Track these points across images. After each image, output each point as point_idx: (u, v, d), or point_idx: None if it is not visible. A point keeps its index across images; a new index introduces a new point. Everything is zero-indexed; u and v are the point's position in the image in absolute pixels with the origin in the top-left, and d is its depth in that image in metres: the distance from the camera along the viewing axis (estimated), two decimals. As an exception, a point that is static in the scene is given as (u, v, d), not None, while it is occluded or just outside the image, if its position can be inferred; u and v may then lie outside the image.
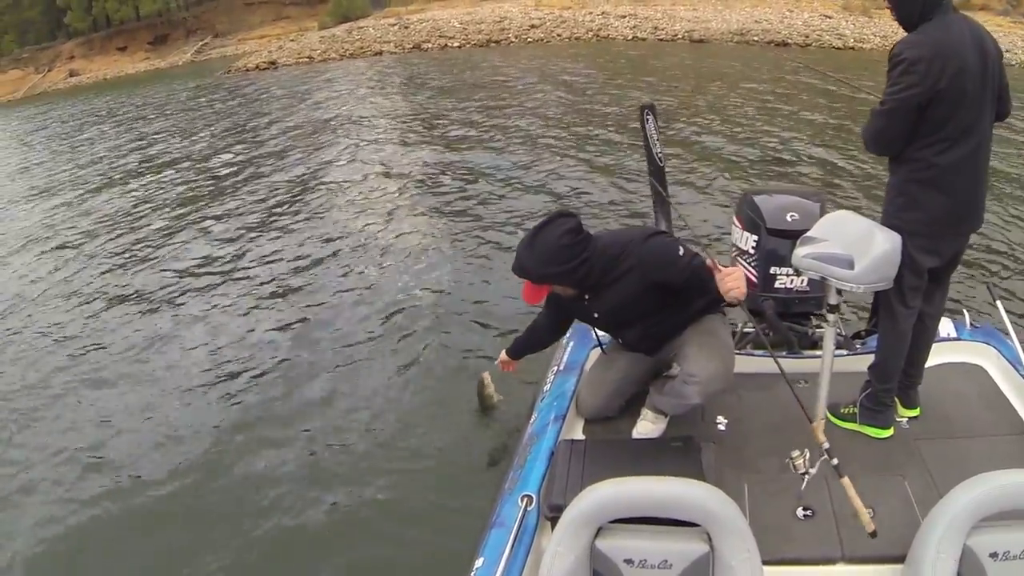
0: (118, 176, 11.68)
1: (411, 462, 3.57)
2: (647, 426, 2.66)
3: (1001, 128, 2.56)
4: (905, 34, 2.31)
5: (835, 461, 1.96)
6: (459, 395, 4.01)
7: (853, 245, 2.31)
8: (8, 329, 6.00)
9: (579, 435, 2.73)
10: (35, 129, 21.56)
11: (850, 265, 2.27)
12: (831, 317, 2.45)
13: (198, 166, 11.48)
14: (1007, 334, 2.88)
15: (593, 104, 13.19)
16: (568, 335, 3.24)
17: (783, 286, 2.97)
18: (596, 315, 2.69)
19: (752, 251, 3.01)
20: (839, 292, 2.40)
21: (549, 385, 2.96)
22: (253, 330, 5.33)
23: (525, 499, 2.27)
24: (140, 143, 14.81)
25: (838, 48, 20.78)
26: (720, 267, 2.27)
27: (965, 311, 3.22)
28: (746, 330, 3.17)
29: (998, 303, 2.99)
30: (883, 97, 2.32)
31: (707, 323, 2.65)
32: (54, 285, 6.91)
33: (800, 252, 2.38)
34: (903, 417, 2.66)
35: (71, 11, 53.44)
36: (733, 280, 2.20)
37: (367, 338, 4.97)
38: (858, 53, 19.77)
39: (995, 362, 2.92)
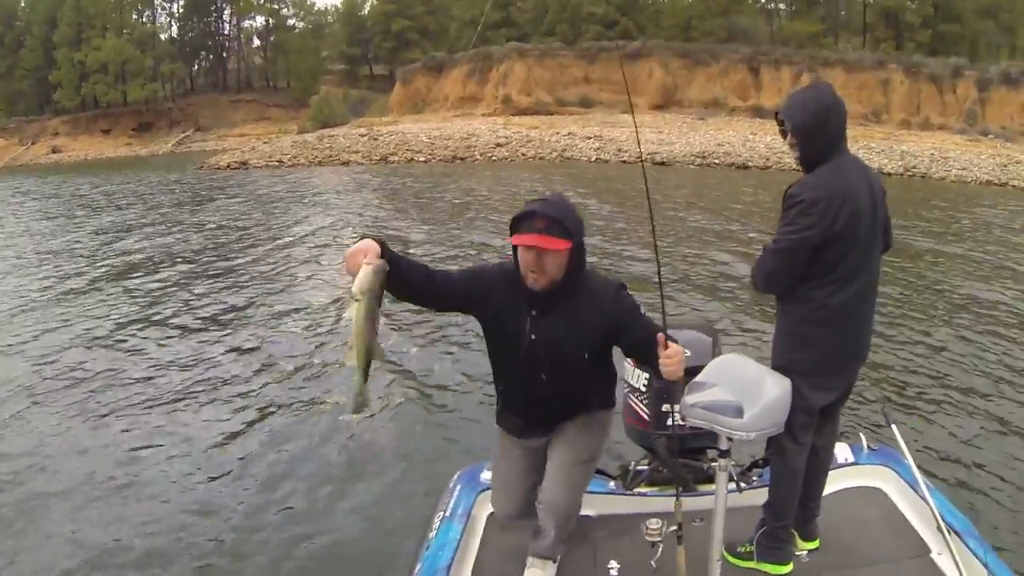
0: (83, 263, 11.35)
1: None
2: (536, 573, 2.53)
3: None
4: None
5: None
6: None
7: (743, 391, 2.25)
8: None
9: None
10: (13, 201, 21.68)
11: (739, 413, 2.21)
12: (723, 462, 2.33)
13: (156, 260, 11.30)
14: (904, 455, 2.85)
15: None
16: (455, 479, 3.06)
17: (676, 423, 2.83)
18: (533, 336, 2.38)
19: (644, 388, 2.88)
20: (730, 439, 2.31)
21: (434, 532, 2.74)
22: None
23: None
24: (109, 230, 14.68)
25: (797, 170, 21.73)
26: (667, 344, 2.25)
27: (862, 435, 3.23)
28: (639, 468, 3.03)
29: (893, 426, 2.95)
30: (776, 236, 2.34)
31: (597, 417, 2.59)
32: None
33: (688, 400, 2.30)
34: (802, 551, 2.58)
35: (61, 88, 54.50)
36: (674, 362, 2.22)
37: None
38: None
39: (894, 484, 2.90)
